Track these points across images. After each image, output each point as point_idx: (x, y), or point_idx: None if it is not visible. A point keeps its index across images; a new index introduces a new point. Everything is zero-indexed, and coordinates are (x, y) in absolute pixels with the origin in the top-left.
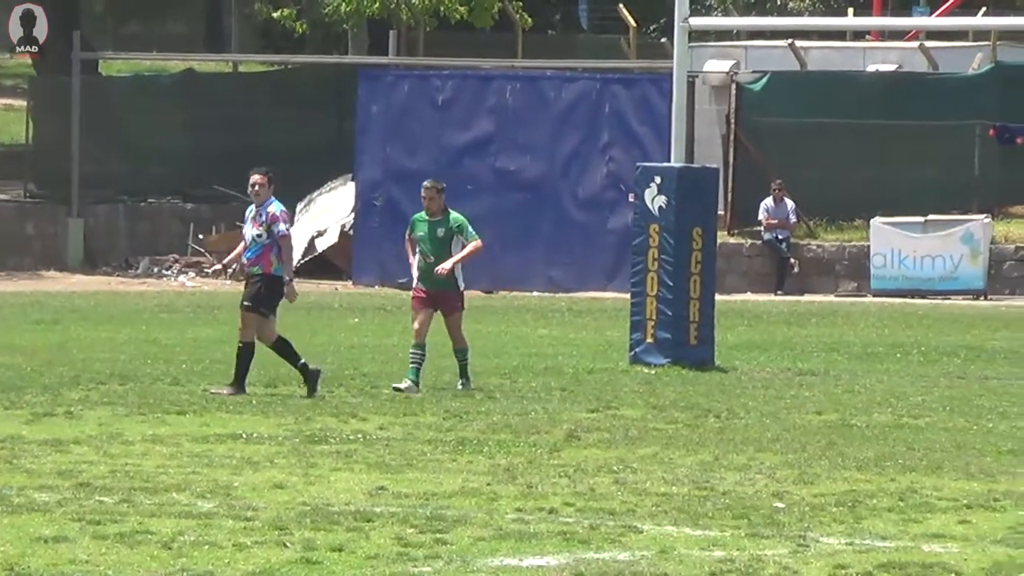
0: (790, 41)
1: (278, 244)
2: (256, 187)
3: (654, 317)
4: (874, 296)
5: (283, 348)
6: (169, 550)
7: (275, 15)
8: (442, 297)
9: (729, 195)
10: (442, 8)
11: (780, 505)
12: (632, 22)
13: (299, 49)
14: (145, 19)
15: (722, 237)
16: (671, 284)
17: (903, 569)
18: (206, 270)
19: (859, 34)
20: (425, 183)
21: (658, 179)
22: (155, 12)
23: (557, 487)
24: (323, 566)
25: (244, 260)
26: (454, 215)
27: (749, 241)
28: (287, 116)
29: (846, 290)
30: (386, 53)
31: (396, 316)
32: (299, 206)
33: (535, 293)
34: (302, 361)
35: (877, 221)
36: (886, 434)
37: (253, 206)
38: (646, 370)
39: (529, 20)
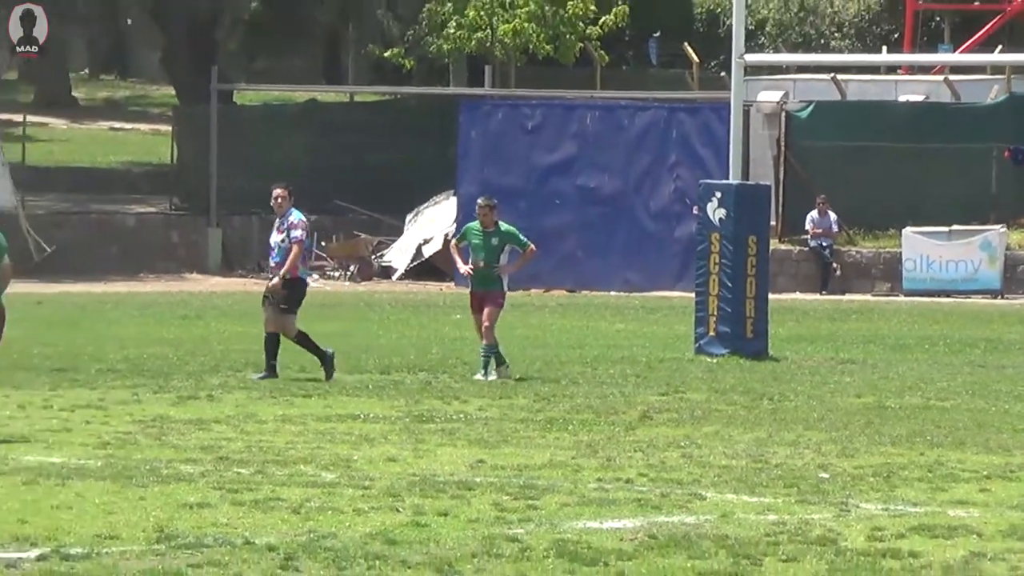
0: (832, 75)
1: (296, 245)
2: (279, 199)
3: (715, 313)
4: (905, 296)
5: (305, 341)
6: (297, 515)
7: (386, 53)
8: (489, 295)
9: (780, 208)
10: (531, 46)
11: (825, 475)
12: (695, 58)
13: (407, 82)
14: (273, 55)
15: (774, 244)
16: (730, 285)
17: (931, 531)
18: (329, 273)
19: (892, 69)
20: (479, 200)
21: (718, 194)
22: (281, 49)
23: (632, 460)
24: (430, 528)
25: (272, 263)
26: (505, 226)
27: (797, 248)
28: (397, 140)
29: (881, 291)
30: (483, 85)
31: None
32: (408, 217)
33: (612, 293)
34: (322, 350)
35: (908, 230)
36: (916, 414)
37: (279, 218)
38: (709, 359)
39: (606, 56)
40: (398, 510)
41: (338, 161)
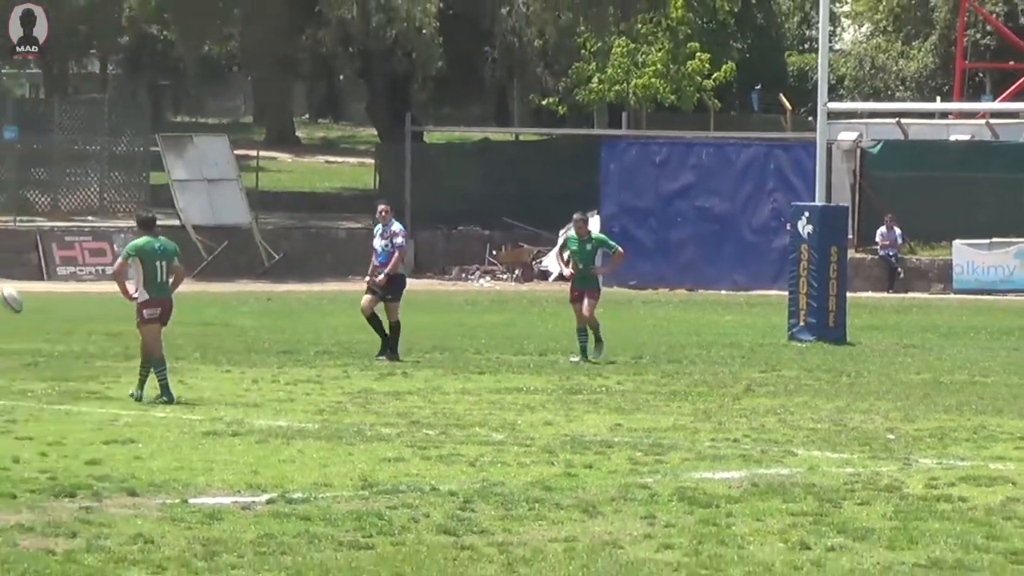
0: (897, 120)
1: (399, 251)
2: (383, 212)
3: (804, 308)
4: (955, 294)
5: (376, 322)
6: (473, 467)
7: (543, 101)
8: (588, 291)
9: (855, 224)
10: (658, 96)
11: (891, 436)
12: (788, 106)
13: (560, 124)
14: (454, 104)
15: (851, 253)
16: (816, 285)
17: (976, 481)
18: (499, 275)
19: (944, 115)
20: (575, 216)
21: (807, 214)
22: (461, 99)
23: (738, 424)
24: (578, 478)
25: (376, 263)
26: (596, 234)
27: (869, 256)
28: (552, 171)
29: (936, 290)
30: (620, 127)
31: (627, 308)
32: (561, 231)
33: (723, 291)
34: (386, 334)
35: (957, 242)
36: (964, 388)
37: (380, 225)
38: (799, 344)
39: (718, 104)
40: (553, 463)
41: (506, 187)
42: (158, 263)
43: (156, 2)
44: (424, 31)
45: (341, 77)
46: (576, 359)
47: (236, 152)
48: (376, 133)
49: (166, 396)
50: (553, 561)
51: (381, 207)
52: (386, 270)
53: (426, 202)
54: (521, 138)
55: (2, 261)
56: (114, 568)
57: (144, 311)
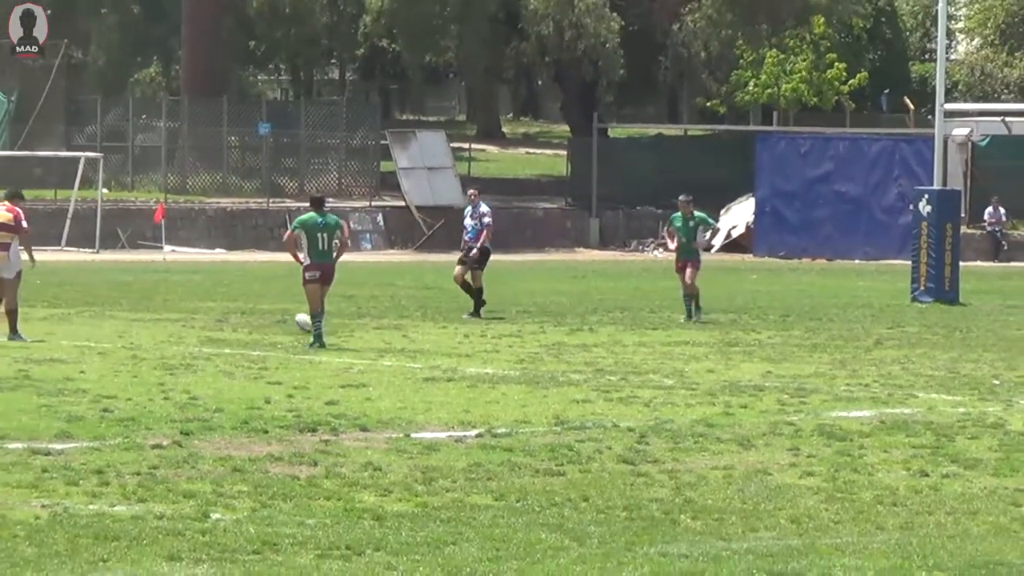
0: (1002, 118)
1: (487, 228)
2: (472, 196)
3: (924, 274)
4: None
5: (468, 287)
6: (647, 407)
7: (708, 103)
8: (691, 262)
9: (967, 205)
10: (803, 98)
11: (996, 382)
12: (912, 106)
13: (721, 122)
14: (633, 105)
15: (963, 229)
16: (934, 256)
17: None
18: (669, 248)
19: None
20: (681, 197)
21: (926, 197)
22: (639, 101)
23: (869, 371)
24: (735, 416)
25: (467, 239)
26: (699, 214)
27: (978, 231)
28: (714, 160)
29: None
30: (771, 124)
31: (776, 274)
32: (722, 211)
33: (856, 261)
34: (483, 299)
35: None
36: None
37: (470, 207)
38: (920, 305)
39: (853, 105)
40: (714, 404)
41: (676, 174)
42: (319, 235)
43: (386, 20)
44: (608, 44)
45: (539, 82)
46: (684, 319)
47: (451, 145)
48: (568, 129)
49: (318, 343)
50: (714, 485)
51: (471, 191)
52: (478, 243)
53: (610, 187)
54: (689, 133)
55: (258, 235)
56: (348, 491)
57: (306, 273)
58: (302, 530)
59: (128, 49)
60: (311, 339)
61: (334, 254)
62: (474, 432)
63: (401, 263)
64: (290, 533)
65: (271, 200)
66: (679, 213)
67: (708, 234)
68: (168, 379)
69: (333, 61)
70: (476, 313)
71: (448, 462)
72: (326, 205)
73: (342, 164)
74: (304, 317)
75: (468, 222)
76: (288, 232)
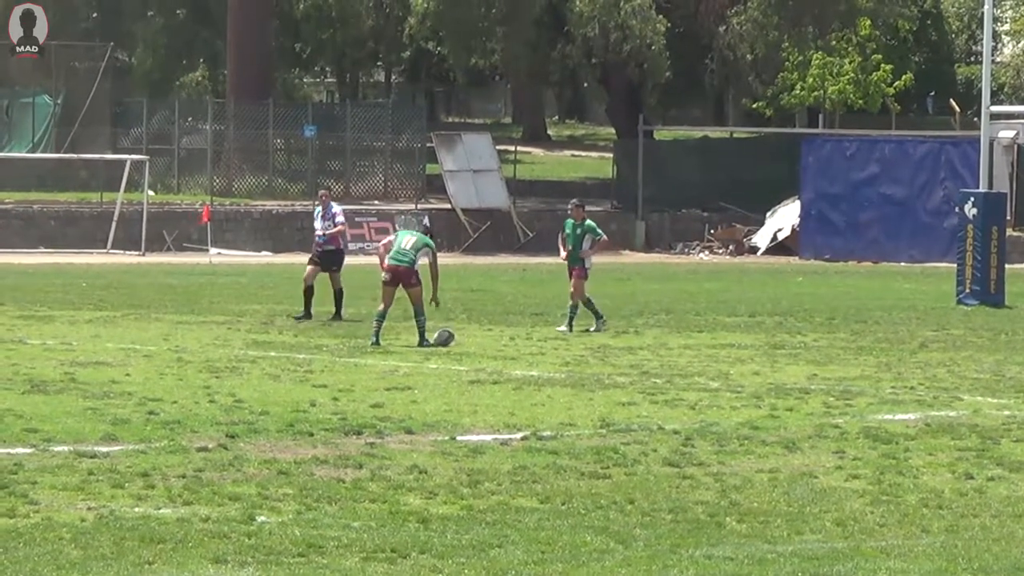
0: None
1: (340, 228)
2: (323, 196)
3: (970, 277)
4: None
5: (311, 293)
6: (693, 410)
7: (754, 105)
8: (575, 270)
9: (1013, 207)
10: (849, 100)
11: None
12: (957, 108)
13: (767, 124)
14: (679, 107)
15: (1009, 232)
16: (979, 258)
17: None
18: (715, 250)
19: None
20: (572, 202)
21: (972, 199)
22: (685, 103)
23: (914, 374)
24: (780, 419)
25: (319, 240)
26: (588, 222)
27: None
28: (761, 163)
29: None
30: (818, 127)
31: (823, 277)
32: (768, 213)
33: (902, 263)
34: (343, 301)
35: None
36: None
37: (320, 207)
38: (965, 308)
39: (898, 107)
40: (759, 407)
41: (721, 177)
42: (406, 238)
43: (431, 22)
44: (653, 47)
45: (585, 84)
46: (563, 328)
47: (497, 147)
48: (614, 131)
49: (420, 342)
50: (759, 488)
51: (321, 192)
52: (340, 245)
53: (655, 189)
54: (735, 136)
55: (303, 237)
56: (394, 494)
57: (384, 275)
58: (347, 533)
59: (174, 52)
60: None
61: (416, 260)
62: (519, 435)
63: (446, 266)
64: (335, 536)
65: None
66: (571, 221)
67: (590, 243)
68: (213, 382)
69: (379, 63)
70: (335, 316)
71: (493, 465)
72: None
73: (388, 167)
74: (440, 333)
75: (319, 224)
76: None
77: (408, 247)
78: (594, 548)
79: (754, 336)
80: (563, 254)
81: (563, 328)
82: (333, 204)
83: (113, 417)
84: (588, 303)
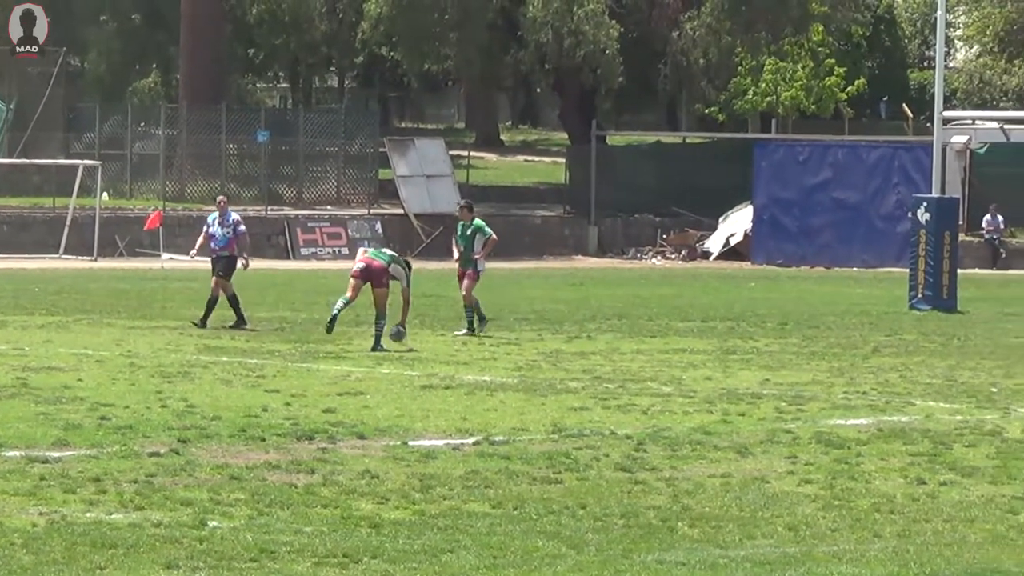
0: (1001, 125)
1: (241, 236)
2: (221, 203)
3: (922, 282)
4: None
5: (214, 304)
6: (645, 415)
7: (706, 110)
8: (467, 272)
9: (965, 212)
10: (802, 105)
11: (995, 389)
12: (910, 114)
13: (720, 129)
14: (632, 112)
15: (961, 237)
16: (932, 264)
17: None
18: (668, 255)
19: None
20: (458, 202)
21: (925, 204)
22: (638, 108)
23: (866, 379)
24: (732, 424)
25: (215, 247)
26: (477, 221)
27: (976, 239)
28: (713, 168)
29: None
30: (770, 132)
31: (775, 282)
32: (720, 218)
33: (855, 268)
34: (205, 320)
35: None
36: None
37: (217, 214)
38: (918, 313)
39: (851, 112)
40: (711, 412)
41: (674, 182)
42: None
43: (384, 28)
44: (607, 52)
45: (538, 90)
46: (464, 332)
47: (450, 152)
48: (567, 136)
49: (377, 347)
50: (711, 493)
51: (220, 198)
52: (242, 255)
53: (608, 194)
54: (688, 141)
55: (256, 243)
56: (346, 499)
57: (358, 264)
58: (299, 538)
59: (127, 57)
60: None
61: (389, 260)
62: (471, 440)
63: None
64: (287, 541)
65: (269, 208)
66: (461, 222)
67: (482, 244)
68: (166, 387)
69: (332, 69)
70: (239, 322)
71: (445, 470)
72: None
73: (340, 172)
74: (394, 330)
75: (217, 230)
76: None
77: (387, 252)
78: (546, 553)
79: (706, 341)
80: (456, 256)
81: (462, 332)
82: (232, 212)
83: (65, 422)
84: (475, 305)
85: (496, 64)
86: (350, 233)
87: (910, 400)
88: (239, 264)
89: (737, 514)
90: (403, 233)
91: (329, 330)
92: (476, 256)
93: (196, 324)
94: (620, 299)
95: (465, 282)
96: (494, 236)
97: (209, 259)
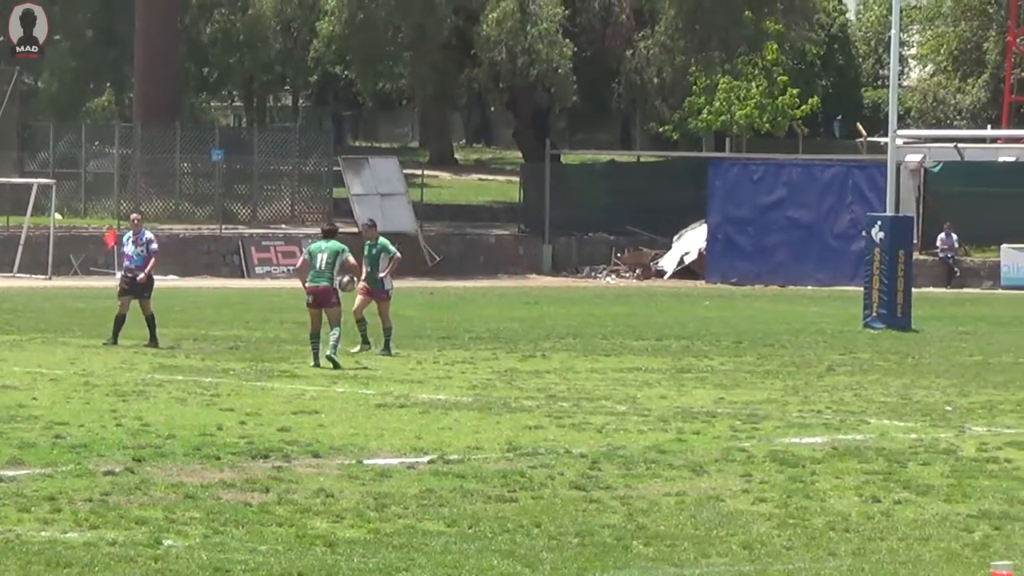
0: (954, 144)
1: (155, 256)
2: (135, 221)
3: (877, 301)
4: (1003, 289)
5: (123, 321)
6: (600, 433)
7: (660, 129)
8: (373, 292)
9: (920, 231)
10: (756, 124)
11: (949, 408)
12: (864, 133)
13: (674, 148)
14: (586, 131)
15: (916, 255)
16: (886, 282)
17: (1020, 445)
18: (622, 274)
19: (993, 140)
20: (363, 222)
21: (879, 223)
22: (592, 127)
23: (821, 397)
24: (687, 442)
25: (129, 266)
26: (382, 240)
27: (931, 258)
28: (668, 187)
29: (986, 286)
30: (724, 150)
31: (729, 300)
32: (675, 237)
33: (809, 287)
34: (115, 334)
35: (1005, 246)
36: (1010, 368)
37: (131, 232)
38: (872, 331)
39: (805, 130)
40: (666, 430)
41: (628, 201)
42: (319, 256)
43: (337, 46)
44: (561, 70)
45: (492, 108)
46: (357, 349)
47: (404, 171)
48: (521, 155)
49: (329, 355)
50: (666, 511)
51: (134, 216)
52: (146, 270)
53: (562, 213)
54: (642, 160)
55: (210, 261)
56: (300, 518)
57: (307, 296)
58: (254, 556)
59: (81, 75)
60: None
61: (334, 278)
62: (426, 458)
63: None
64: (242, 560)
65: (224, 226)
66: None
67: (387, 263)
68: (120, 406)
69: (286, 88)
70: (152, 341)
71: (400, 488)
72: (336, 235)
73: (295, 190)
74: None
75: (131, 249)
76: (301, 259)
77: (324, 266)
78: (501, 572)
79: (661, 360)
80: (363, 275)
81: (357, 349)
82: (146, 230)
83: (19, 441)
84: (360, 323)
85: (450, 83)
86: (303, 251)
87: (865, 419)
88: (139, 275)
89: (692, 532)
90: (357, 252)
91: (317, 365)
92: (381, 275)
93: (148, 344)
94: (574, 318)
95: (378, 304)
96: (399, 255)
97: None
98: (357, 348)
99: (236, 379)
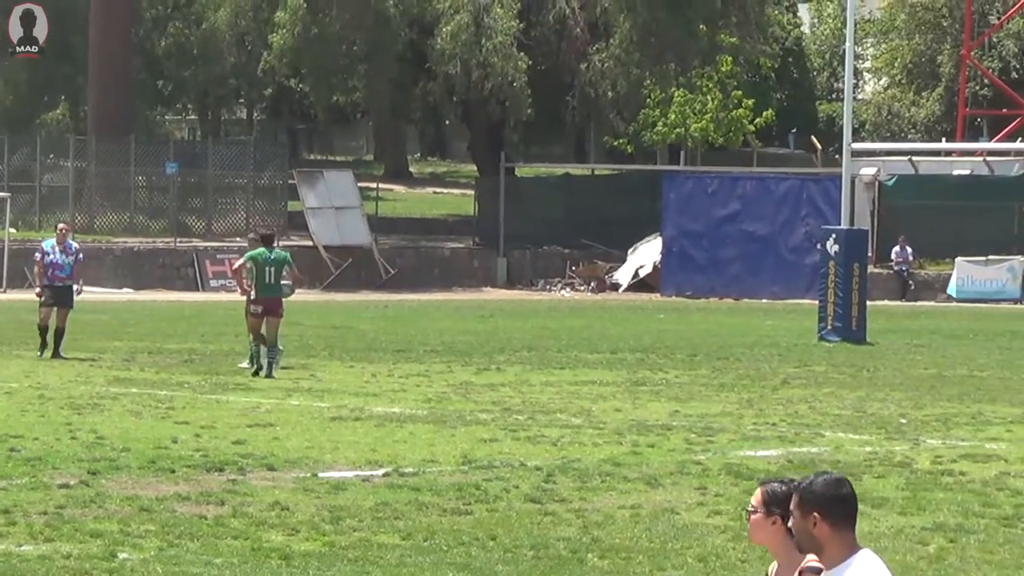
0: (909, 157)
1: (80, 266)
2: (63, 230)
3: (831, 314)
4: (957, 302)
5: (47, 331)
6: (555, 446)
7: (615, 142)
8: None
9: (874, 244)
10: (710, 137)
11: (903, 421)
12: (819, 146)
13: (629, 161)
14: (541, 144)
15: (870, 268)
16: (841, 295)
17: (974, 458)
18: (577, 287)
19: (948, 153)
20: (250, 235)
21: (834, 236)
22: (547, 140)
23: (776, 410)
24: (643, 456)
25: (61, 275)
26: (280, 252)
27: (885, 271)
28: (622, 200)
29: (940, 299)
30: (679, 163)
31: (683, 314)
32: (630, 250)
33: (764, 300)
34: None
35: (959, 259)
36: (964, 381)
37: (55, 242)
38: (827, 344)
39: (760, 144)
40: (621, 443)
41: (583, 214)
42: (267, 269)
43: (290, 60)
44: (515, 84)
45: (447, 122)
46: (244, 364)
47: (359, 184)
48: (476, 168)
49: (268, 374)
50: (621, 524)
51: (61, 225)
52: (79, 282)
53: (517, 226)
54: (596, 173)
55: (165, 274)
56: (256, 530)
57: (251, 306)
58: (209, 569)
59: (34, 88)
60: (254, 366)
61: (281, 288)
62: (381, 471)
63: (308, 302)
64: (197, 573)
65: (178, 240)
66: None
67: (290, 278)
68: (75, 419)
69: (241, 101)
70: (56, 353)
71: (355, 501)
72: (275, 242)
73: (250, 203)
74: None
75: (60, 258)
76: (240, 262)
77: (273, 280)
78: None
79: (616, 373)
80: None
81: (244, 364)
82: (72, 242)
83: None
84: (258, 338)
85: (405, 96)
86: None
87: (819, 431)
88: (75, 289)
89: (647, 545)
90: (312, 265)
91: (263, 372)
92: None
93: (52, 356)
94: (529, 331)
95: (272, 321)
96: (296, 272)
97: (43, 287)
98: (244, 363)
99: (191, 392)
